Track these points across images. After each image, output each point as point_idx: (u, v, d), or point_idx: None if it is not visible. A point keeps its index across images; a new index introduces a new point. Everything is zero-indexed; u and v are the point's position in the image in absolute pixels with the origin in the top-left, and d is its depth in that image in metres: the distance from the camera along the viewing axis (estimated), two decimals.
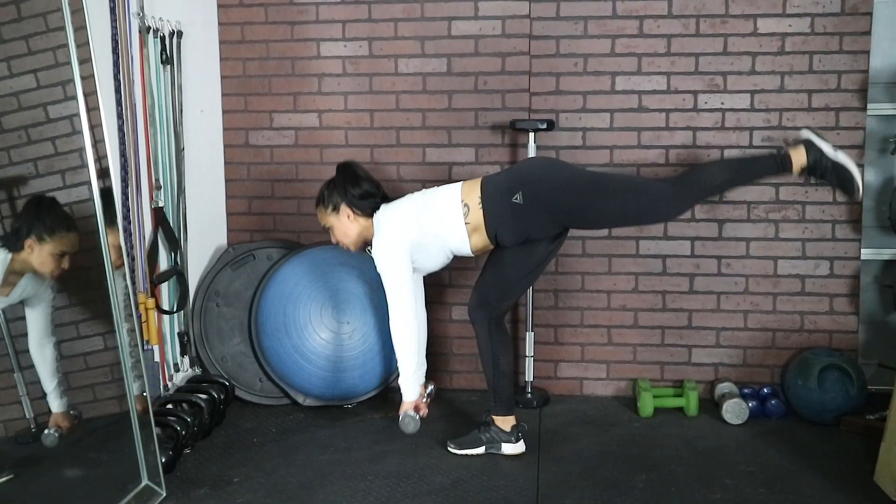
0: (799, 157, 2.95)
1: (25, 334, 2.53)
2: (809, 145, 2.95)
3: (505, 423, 3.09)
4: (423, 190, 3.15)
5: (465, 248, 3.03)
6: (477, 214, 2.96)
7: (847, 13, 3.52)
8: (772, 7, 3.55)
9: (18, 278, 2.46)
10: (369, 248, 3.68)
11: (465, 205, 2.98)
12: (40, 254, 2.46)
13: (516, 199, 2.91)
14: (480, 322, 3.09)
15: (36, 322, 2.54)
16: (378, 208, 3.11)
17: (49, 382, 2.57)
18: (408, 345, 3.04)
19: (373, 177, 3.18)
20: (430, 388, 3.22)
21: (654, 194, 2.96)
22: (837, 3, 3.52)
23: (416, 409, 3.07)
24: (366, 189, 3.11)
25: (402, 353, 3.05)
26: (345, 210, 3.10)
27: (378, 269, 3.05)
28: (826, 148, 2.94)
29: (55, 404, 2.58)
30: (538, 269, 3.11)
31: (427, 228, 3.01)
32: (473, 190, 3.00)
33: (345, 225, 3.13)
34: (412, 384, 3.07)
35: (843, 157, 2.93)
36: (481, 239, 3.00)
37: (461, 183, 3.06)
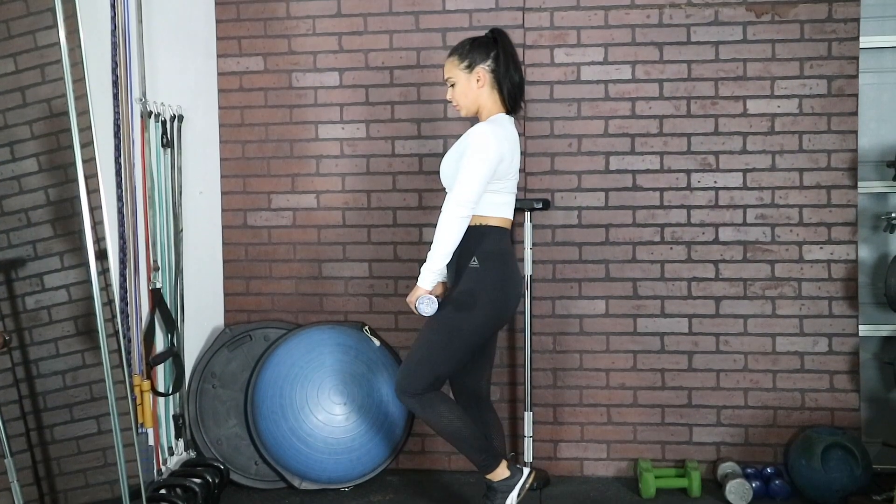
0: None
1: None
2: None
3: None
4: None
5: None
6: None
7: (833, 94, 3.60)
8: (760, 89, 3.63)
9: None
10: (367, 327, 3.69)
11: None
12: None
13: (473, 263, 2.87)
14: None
15: None
16: (509, 107, 2.94)
17: None
18: (450, 238, 2.80)
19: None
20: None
21: (419, 367, 2.88)
22: (824, 85, 3.60)
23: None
24: (516, 81, 2.93)
25: (442, 243, 2.81)
26: (480, 73, 2.90)
27: (465, 152, 2.83)
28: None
29: None
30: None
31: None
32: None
33: (471, 88, 2.92)
34: (434, 277, 2.85)
35: None
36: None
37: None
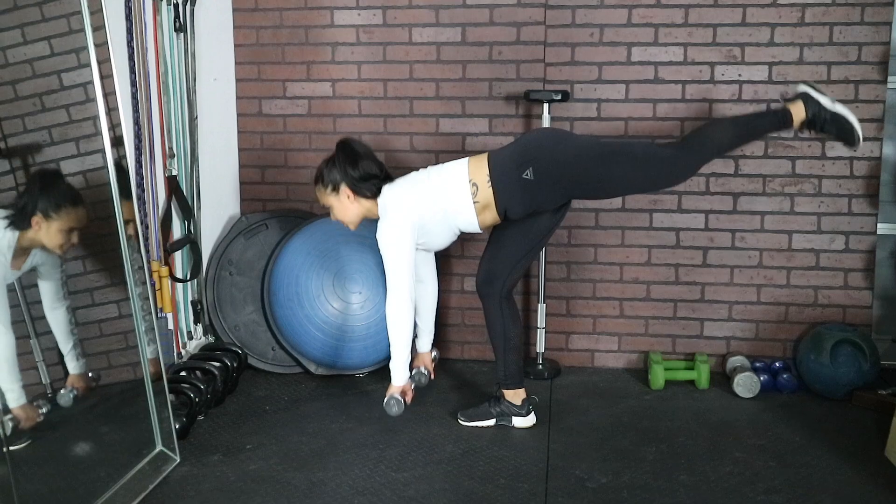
0: (798, 112, 2.95)
1: (41, 301, 2.56)
2: (807, 99, 2.96)
3: (516, 396, 3.10)
4: (428, 168, 3.08)
5: (473, 226, 3.00)
6: (486, 193, 2.92)
7: None
8: None
9: (28, 253, 2.46)
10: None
11: (474, 184, 2.92)
12: (48, 231, 2.46)
13: (527, 174, 2.86)
14: (490, 297, 3.06)
15: (48, 288, 2.56)
16: (380, 189, 3.04)
17: (65, 344, 2.59)
18: (402, 330, 2.98)
19: (374, 154, 3.10)
20: (435, 353, 3.23)
21: (662, 161, 2.92)
22: None
23: (403, 393, 3.04)
24: (366, 170, 3.02)
25: (396, 338, 2.99)
26: (345, 190, 3.04)
27: (381, 252, 3.00)
28: (824, 100, 2.94)
29: (72, 366, 2.60)
30: (544, 241, 3.09)
31: (434, 208, 2.97)
32: (480, 167, 2.94)
33: (345, 205, 3.07)
34: (403, 369, 3.03)
35: (841, 108, 2.93)
36: (491, 215, 2.97)
37: (466, 160, 3.00)
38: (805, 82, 3.02)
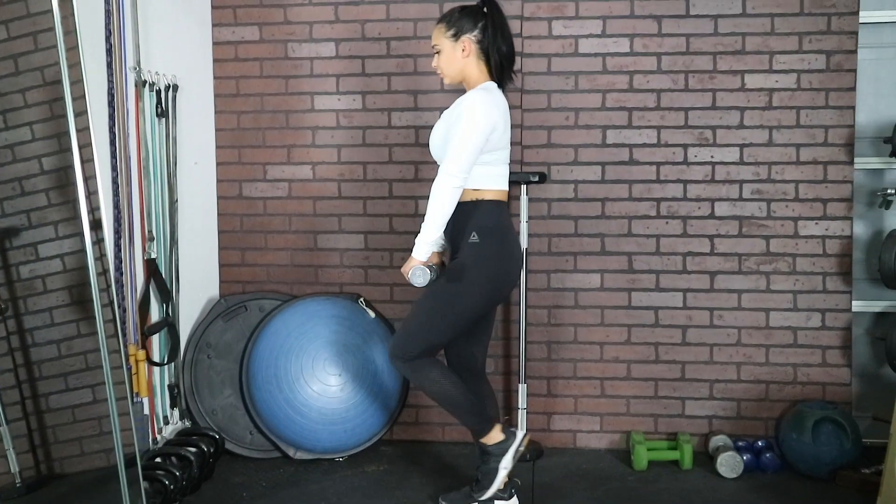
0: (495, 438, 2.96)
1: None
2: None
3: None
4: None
5: None
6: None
7: (832, 70, 3.59)
8: (759, 63, 3.62)
9: None
10: (361, 299, 3.69)
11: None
12: None
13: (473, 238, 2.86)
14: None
15: None
16: (494, 80, 2.90)
17: None
18: (443, 209, 2.80)
19: (513, 53, 2.92)
20: (434, 268, 2.95)
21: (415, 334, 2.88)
22: (822, 60, 3.59)
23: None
24: (504, 52, 2.87)
25: (434, 215, 2.80)
26: (466, 43, 2.87)
27: (456, 119, 2.81)
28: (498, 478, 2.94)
29: None
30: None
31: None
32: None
33: (455, 57, 2.89)
34: (427, 248, 2.85)
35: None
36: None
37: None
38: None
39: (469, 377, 3.08)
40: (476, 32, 2.88)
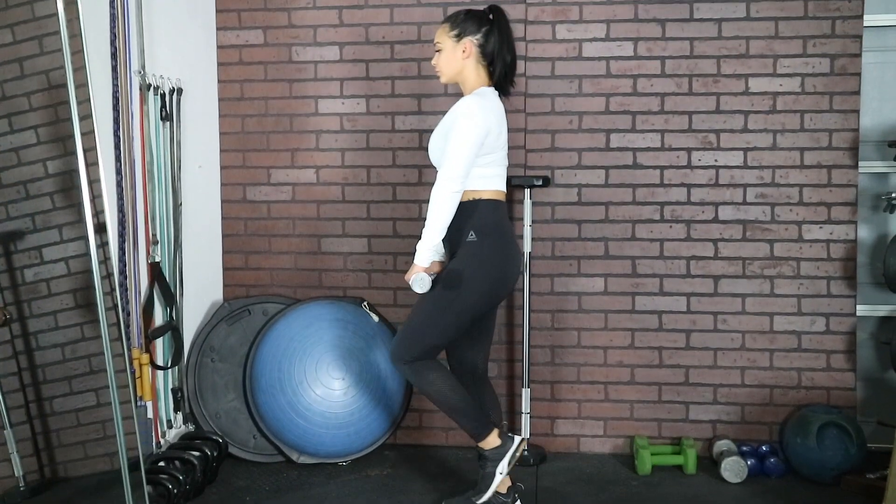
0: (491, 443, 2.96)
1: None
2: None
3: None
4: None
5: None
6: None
7: (836, 73, 3.58)
8: (763, 67, 3.61)
9: None
10: (365, 303, 3.69)
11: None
12: None
13: (471, 237, 2.89)
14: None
15: None
16: (491, 87, 2.94)
17: None
18: (443, 216, 2.83)
19: (515, 61, 2.97)
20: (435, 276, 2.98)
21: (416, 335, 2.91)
22: (827, 64, 3.59)
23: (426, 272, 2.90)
24: (507, 61, 2.92)
25: (434, 221, 2.84)
26: (467, 45, 2.91)
27: (452, 126, 2.84)
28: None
29: None
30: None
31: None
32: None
33: (455, 57, 2.92)
34: (429, 254, 2.88)
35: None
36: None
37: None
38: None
39: (471, 382, 3.08)
40: (479, 36, 2.91)
